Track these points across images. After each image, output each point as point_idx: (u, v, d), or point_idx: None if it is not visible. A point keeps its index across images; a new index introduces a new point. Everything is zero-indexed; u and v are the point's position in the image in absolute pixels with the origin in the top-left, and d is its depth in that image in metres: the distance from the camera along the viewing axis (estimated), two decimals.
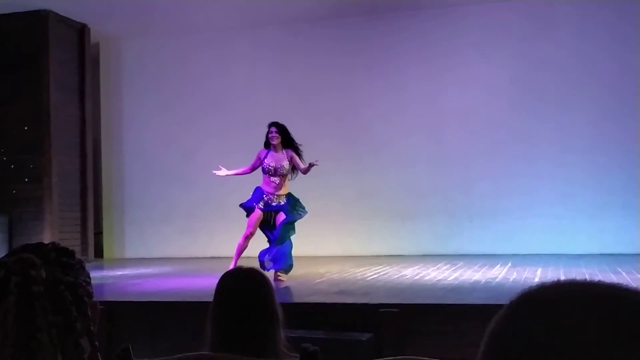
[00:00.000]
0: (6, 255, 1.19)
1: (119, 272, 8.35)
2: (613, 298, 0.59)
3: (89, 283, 1.22)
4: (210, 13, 10.29)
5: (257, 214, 6.96)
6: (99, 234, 11.24)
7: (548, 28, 9.74)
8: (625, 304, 0.58)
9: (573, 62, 9.60)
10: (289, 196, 6.97)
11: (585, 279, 0.63)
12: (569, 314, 0.59)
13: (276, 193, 6.92)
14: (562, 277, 0.66)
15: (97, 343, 1.17)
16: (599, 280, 0.61)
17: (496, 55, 9.90)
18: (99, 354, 1.16)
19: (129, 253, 11.20)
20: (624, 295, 0.59)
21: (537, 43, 9.74)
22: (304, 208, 6.97)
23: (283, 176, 6.93)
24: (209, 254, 10.43)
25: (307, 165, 6.80)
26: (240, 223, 10.50)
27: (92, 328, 1.16)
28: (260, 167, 7.01)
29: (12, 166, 9.83)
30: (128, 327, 4.96)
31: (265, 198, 6.95)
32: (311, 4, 9.92)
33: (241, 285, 2.11)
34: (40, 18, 9.85)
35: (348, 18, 10.35)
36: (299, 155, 6.98)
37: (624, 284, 0.61)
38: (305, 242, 10.26)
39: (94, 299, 1.23)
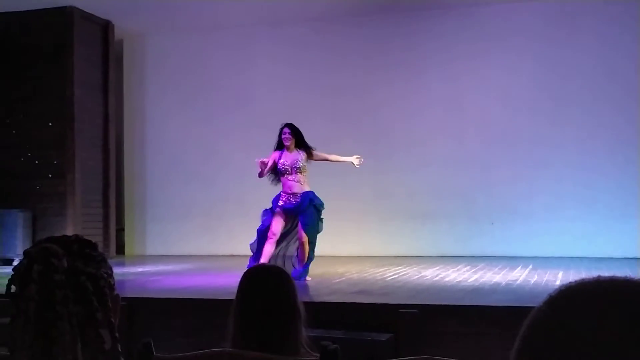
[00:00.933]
0: (31, 247, 1.21)
1: (139, 269, 8.40)
2: None
3: (111, 275, 1.24)
4: (231, 10, 10.32)
5: (278, 215, 6.88)
6: (120, 230, 11.32)
7: (570, 30, 9.64)
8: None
9: (594, 65, 9.50)
10: (305, 196, 6.83)
11: (626, 276, 0.64)
12: (609, 308, 0.61)
13: (294, 191, 6.85)
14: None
15: (117, 335, 1.18)
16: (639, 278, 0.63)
17: (518, 56, 9.82)
18: (119, 345, 1.17)
19: (150, 250, 11.27)
20: None
21: (560, 45, 9.64)
22: (322, 205, 6.86)
23: (300, 172, 6.87)
24: (228, 252, 10.46)
25: (347, 159, 6.84)
26: (260, 221, 10.57)
27: (112, 319, 1.18)
28: (277, 170, 6.92)
29: (36, 162, 9.94)
30: (148, 324, 4.99)
31: (284, 198, 6.90)
32: (333, 1, 9.91)
33: (264, 282, 2.12)
34: (64, 14, 9.94)
35: (369, 16, 10.32)
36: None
37: None
38: (324, 241, 10.27)
39: (116, 292, 1.24)
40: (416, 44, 10.24)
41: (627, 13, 9.42)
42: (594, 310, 0.61)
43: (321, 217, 6.95)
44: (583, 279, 0.65)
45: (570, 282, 0.65)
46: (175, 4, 10.02)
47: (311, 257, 6.86)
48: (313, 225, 6.82)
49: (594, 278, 0.64)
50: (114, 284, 1.24)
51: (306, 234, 6.77)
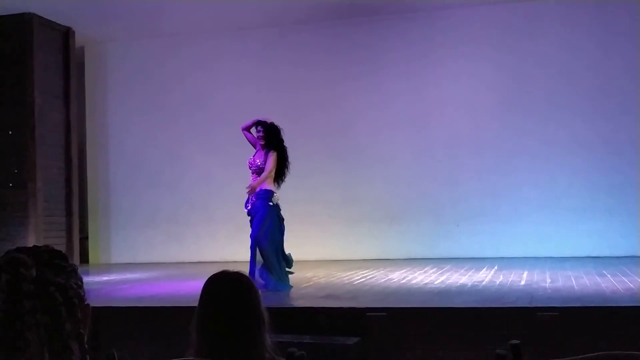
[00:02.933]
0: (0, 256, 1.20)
1: (104, 278, 8.29)
2: None
3: (81, 287, 1.23)
4: (195, 15, 10.26)
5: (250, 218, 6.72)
6: (84, 239, 11.16)
7: (535, 29, 9.79)
8: None
9: (560, 65, 9.66)
10: (260, 196, 6.55)
11: None
12: None
13: (249, 191, 6.65)
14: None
15: (86, 346, 1.17)
16: None
17: (482, 57, 9.94)
18: (88, 357, 1.16)
19: (115, 258, 11.13)
20: None
21: (524, 45, 9.79)
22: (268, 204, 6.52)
23: (255, 173, 6.68)
24: (194, 259, 10.39)
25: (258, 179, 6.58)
26: (225, 225, 10.55)
27: (81, 331, 1.17)
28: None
29: None
30: (113, 333, 4.92)
31: (247, 199, 6.75)
32: (296, 8, 9.92)
33: (227, 289, 2.09)
34: (23, 21, 9.78)
35: (334, 20, 10.35)
36: (283, 157, 6.71)
37: None
38: (291, 246, 10.26)
39: (86, 303, 1.23)
40: (379, 44, 10.28)
41: (590, 17, 9.59)
42: None
43: (276, 216, 6.59)
44: None
45: None
46: (137, 10, 9.93)
47: (273, 264, 6.48)
48: (259, 230, 6.47)
49: None
50: (84, 295, 1.23)
51: (253, 239, 6.49)
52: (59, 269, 1.20)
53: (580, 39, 9.62)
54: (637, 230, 9.16)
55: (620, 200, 9.32)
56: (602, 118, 9.48)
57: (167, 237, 10.87)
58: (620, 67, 9.46)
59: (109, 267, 10.29)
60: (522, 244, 9.47)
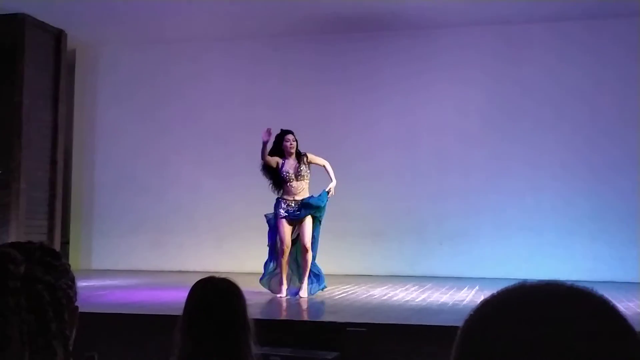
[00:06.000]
0: None
1: (84, 283, 8.22)
2: (573, 299, 0.67)
3: (71, 287, 1.21)
4: (188, 24, 10.28)
5: (283, 225, 6.75)
6: (65, 243, 11.07)
7: (521, 50, 9.89)
8: (582, 305, 0.67)
9: (546, 83, 9.76)
10: (306, 201, 6.77)
11: (550, 280, 0.70)
12: (531, 310, 0.66)
13: (296, 198, 6.78)
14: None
15: (70, 348, 1.15)
16: (562, 283, 0.70)
17: (470, 77, 10.02)
18: (72, 359, 1.15)
19: (96, 264, 11.04)
20: (583, 296, 0.68)
21: (511, 65, 9.88)
22: (321, 206, 6.80)
23: (304, 179, 6.83)
24: (177, 268, 10.33)
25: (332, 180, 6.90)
26: (210, 235, 10.52)
27: (67, 332, 1.15)
28: (280, 177, 6.83)
29: None
30: (91, 340, 4.88)
31: (284, 205, 6.80)
32: (291, 20, 9.96)
33: (214, 295, 2.09)
34: (16, 21, 9.75)
35: (326, 35, 10.40)
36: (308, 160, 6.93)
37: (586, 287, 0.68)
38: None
39: (75, 305, 1.21)
40: (369, 61, 10.34)
41: (577, 28, 9.68)
42: (516, 313, 0.66)
43: (319, 220, 6.83)
44: (507, 287, 0.71)
45: (496, 291, 0.71)
46: (131, 15, 9.93)
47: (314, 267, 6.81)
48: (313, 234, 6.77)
49: (517, 284, 0.69)
50: (73, 296, 1.21)
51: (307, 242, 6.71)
52: (50, 268, 1.18)
53: (566, 64, 9.73)
54: (619, 256, 9.23)
55: (602, 226, 9.40)
56: (593, 135, 9.56)
57: (150, 245, 10.81)
58: (605, 94, 9.57)
59: (89, 273, 10.20)
60: (504, 265, 9.49)
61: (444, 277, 9.21)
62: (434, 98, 10.12)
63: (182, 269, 10.19)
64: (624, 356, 0.63)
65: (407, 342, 4.69)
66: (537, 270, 9.40)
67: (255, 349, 2.04)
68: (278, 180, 6.87)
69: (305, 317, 5.27)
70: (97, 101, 11.40)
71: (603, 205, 9.44)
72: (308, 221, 6.74)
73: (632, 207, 9.33)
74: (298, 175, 6.81)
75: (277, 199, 6.89)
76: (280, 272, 6.77)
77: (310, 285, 6.80)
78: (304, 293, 6.69)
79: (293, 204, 6.78)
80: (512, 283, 0.71)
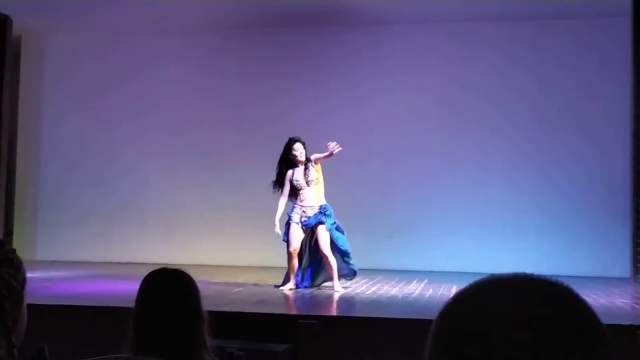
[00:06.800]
0: None
1: (28, 275, 8.01)
2: (541, 290, 0.74)
3: (14, 276, 1.17)
4: (138, 13, 10.09)
5: (293, 229, 6.82)
6: (9, 234, 10.78)
7: (472, 49, 10.03)
8: (549, 295, 0.73)
9: (495, 82, 9.91)
10: (322, 209, 6.84)
11: (519, 273, 0.77)
12: (500, 297, 0.70)
13: (311, 204, 6.83)
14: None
15: (14, 340, 1.12)
16: (530, 275, 0.76)
17: (419, 74, 10.10)
18: (15, 351, 1.11)
19: (41, 255, 10.78)
20: (550, 286, 0.75)
21: (460, 63, 10.01)
22: (330, 219, 6.86)
23: (315, 184, 6.86)
24: (124, 260, 10.17)
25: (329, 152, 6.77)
26: (158, 229, 10.39)
27: (9, 323, 1.11)
28: (293, 187, 6.87)
29: None
30: (35, 331, 4.77)
31: (299, 211, 6.85)
32: (244, 11, 9.88)
33: (168, 286, 2.06)
34: None
35: (279, 28, 10.36)
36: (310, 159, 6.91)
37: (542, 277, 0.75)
38: (224, 251, 10.17)
39: (21, 295, 1.17)
40: (320, 54, 10.34)
41: (526, 27, 9.85)
42: (487, 304, 0.69)
43: (333, 222, 6.86)
44: (478, 280, 0.75)
45: (468, 284, 0.74)
46: (79, 1, 9.69)
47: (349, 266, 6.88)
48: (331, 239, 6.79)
49: (488, 277, 0.71)
50: (17, 286, 1.17)
51: (324, 249, 6.72)
52: None
53: (514, 64, 9.90)
54: (563, 250, 9.47)
55: (547, 222, 9.62)
56: (541, 133, 9.75)
57: (98, 237, 10.61)
58: (554, 95, 9.79)
59: (33, 264, 9.93)
60: (454, 258, 9.63)
61: (393, 270, 9.29)
62: (382, 94, 10.16)
63: (130, 260, 10.03)
64: (590, 341, 0.68)
65: (358, 334, 4.72)
66: (485, 264, 9.56)
67: (209, 341, 2.02)
68: (294, 190, 6.90)
69: (256, 310, 5.25)
70: (43, 89, 11.11)
71: (549, 201, 9.66)
72: (321, 229, 6.78)
73: (576, 204, 9.60)
74: (309, 181, 6.85)
75: (293, 205, 6.98)
76: (288, 272, 6.89)
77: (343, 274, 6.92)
78: (337, 287, 6.72)
79: (308, 211, 6.83)
80: (461, 276, 0.74)
